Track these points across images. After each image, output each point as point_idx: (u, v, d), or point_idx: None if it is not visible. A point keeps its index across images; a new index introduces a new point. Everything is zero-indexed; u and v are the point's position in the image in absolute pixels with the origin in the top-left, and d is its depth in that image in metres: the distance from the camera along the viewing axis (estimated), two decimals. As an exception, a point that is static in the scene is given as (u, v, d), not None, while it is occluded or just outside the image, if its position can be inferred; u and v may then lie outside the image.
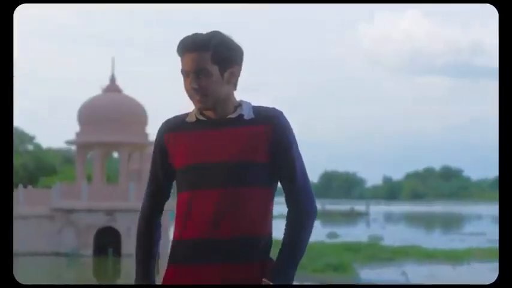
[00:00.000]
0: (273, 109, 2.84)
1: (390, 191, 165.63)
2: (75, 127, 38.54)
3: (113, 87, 39.03)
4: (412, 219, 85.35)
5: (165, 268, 2.94)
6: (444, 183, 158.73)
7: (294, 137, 2.85)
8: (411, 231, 60.21)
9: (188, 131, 2.82)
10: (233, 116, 2.81)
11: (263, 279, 2.75)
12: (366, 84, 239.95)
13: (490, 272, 31.39)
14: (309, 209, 2.84)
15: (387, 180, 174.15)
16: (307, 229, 2.83)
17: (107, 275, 32.49)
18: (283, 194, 2.87)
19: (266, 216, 2.81)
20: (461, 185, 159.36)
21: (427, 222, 79.39)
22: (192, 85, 2.76)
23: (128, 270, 33.35)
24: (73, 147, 42.76)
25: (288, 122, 2.83)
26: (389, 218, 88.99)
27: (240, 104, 2.84)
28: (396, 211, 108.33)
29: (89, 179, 40.06)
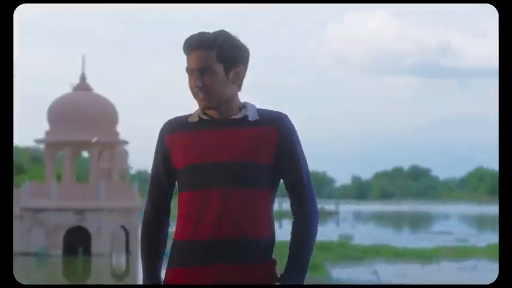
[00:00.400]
0: (278, 112, 2.83)
1: (359, 190, 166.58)
2: (44, 125, 38.21)
3: (83, 86, 38.73)
4: (381, 219, 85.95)
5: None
6: (412, 182, 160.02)
7: (298, 140, 2.84)
8: (380, 231, 60.64)
9: (190, 130, 2.79)
10: (238, 116, 2.78)
11: (277, 284, 2.74)
12: (335, 83, 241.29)
13: (459, 270, 31.76)
14: (314, 211, 2.84)
15: (356, 180, 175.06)
16: (314, 230, 2.84)
17: (77, 275, 32.24)
18: (288, 196, 2.85)
19: (267, 217, 2.80)
20: (429, 185, 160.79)
21: (396, 221, 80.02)
22: (196, 83, 2.73)
23: (98, 270, 33.15)
24: (41, 146, 42.36)
25: (293, 125, 2.82)
26: (358, 217, 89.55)
27: (244, 105, 2.82)
28: (365, 210, 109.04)
29: (58, 178, 39.69)
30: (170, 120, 2.85)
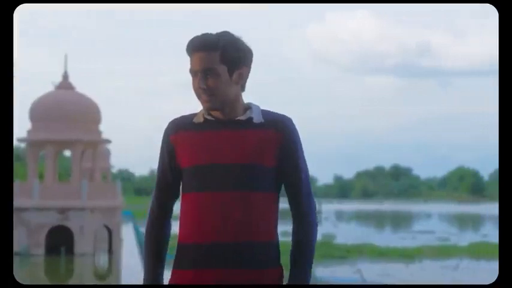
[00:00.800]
0: (283, 115, 2.84)
1: (341, 189, 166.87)
2: (25, 124, 37.94)
3: (65, 85, 38.50)
4: (363, 218, 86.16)
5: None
6: (394, 182, 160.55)
7: (301, 143, 2.85)
8: (363, 230, 60.83)
9: (196, 131, 2.78)
10: (242, 118, 2.78)
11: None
12: (317, 83, 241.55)
13: (442, 269, 31.93)
14: (312, 213, 2.85)
15: (338, 179, 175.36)
16: (313, 231, 2.85)
17: (59, 275, 32.06)
18: (287, 198, 2.86)
19: (272, 221, 2.80)
20: (410, 184, 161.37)
21: (377, 220, 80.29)
22: (200, 85, 2.72)
23: (81, 270, 33.01)
24: (22, 145, 42.03)
25: (296, 129, 2.83)
26: (340, 216, 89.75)
27: (249, 107, 2.82)
28: (347, 210, 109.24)
29: (41, 177, 39.45)
30: (175, 119, 2.85)
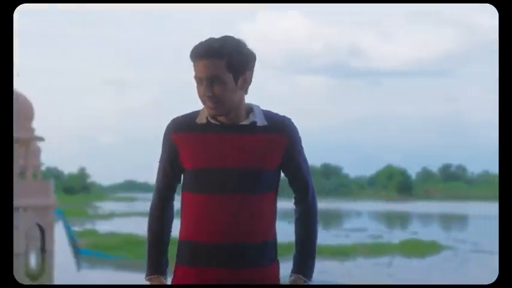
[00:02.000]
0: (284, 117, 2.88)
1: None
2: None
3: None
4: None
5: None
6: (325, 180, 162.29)
7: (301, 141, 2.92)
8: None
9: (199, 132, 2.80)
10: (246, 123, 2.80)
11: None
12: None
13: (375, 266, 32.45)
14: (316, 211, 2.98)
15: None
16: (316, 223, 2.99)
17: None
18: (293, 191, 2.97)
19: (271, 220, 2.87)
20: (340, 183, 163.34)
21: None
22: (206, 93, 2.73)
23: (16, 270, 32.34)
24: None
25: (297, 130, 2.89)
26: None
27: (251, 109, 2.84)
28: (280, 208, 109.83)
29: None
30: (177, 118, 2.85)
